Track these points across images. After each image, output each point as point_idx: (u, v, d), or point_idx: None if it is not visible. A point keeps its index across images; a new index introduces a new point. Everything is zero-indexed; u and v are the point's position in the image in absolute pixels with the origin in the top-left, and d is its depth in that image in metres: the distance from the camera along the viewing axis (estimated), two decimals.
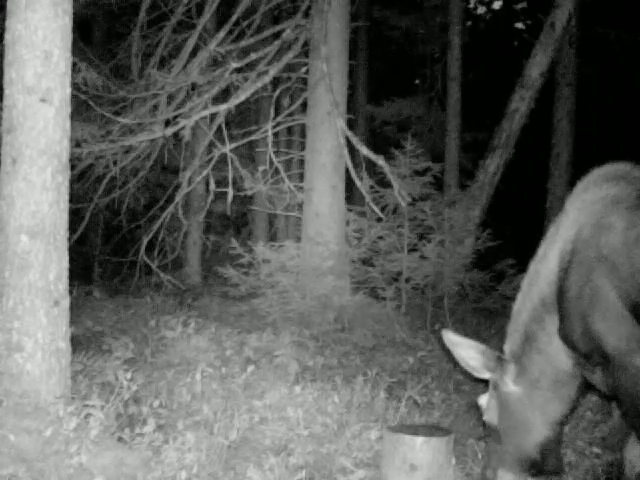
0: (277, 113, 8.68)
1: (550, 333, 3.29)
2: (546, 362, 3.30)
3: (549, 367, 3.30)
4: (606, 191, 3.19)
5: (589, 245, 3.10)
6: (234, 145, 8.54)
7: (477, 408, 3.67)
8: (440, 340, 6.73)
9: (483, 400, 3.51)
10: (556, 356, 3.28)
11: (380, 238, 8.21)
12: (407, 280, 8.03)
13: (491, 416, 3.44)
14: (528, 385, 3.33)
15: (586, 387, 3.40)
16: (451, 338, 3.45)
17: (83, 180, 8.84)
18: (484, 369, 3.42)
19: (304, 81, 8.45)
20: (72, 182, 4.21)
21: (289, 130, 10.90)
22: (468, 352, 3.43)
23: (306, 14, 8.25)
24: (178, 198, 8.92)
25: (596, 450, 4.01)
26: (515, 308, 3.44)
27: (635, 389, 3.00)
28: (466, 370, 3.51)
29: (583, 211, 3.21)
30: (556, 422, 3.33)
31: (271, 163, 8.30)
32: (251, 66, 8.66)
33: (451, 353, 3.48)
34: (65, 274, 3.87)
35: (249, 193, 8.87)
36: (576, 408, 3.46)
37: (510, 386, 3.37)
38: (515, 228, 12.60)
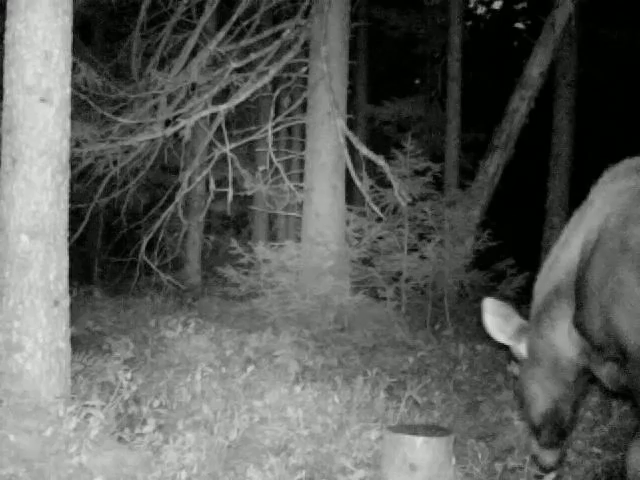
0: (277, 113, 8.68)
1: (553, 318, 3.29)
2: (547, 346, 3.33)
3: (549, 351, 3.33)
4: (635, 182, 3.10)
5: (614, 236, 2.99)
6: (234, 145, 8.55)
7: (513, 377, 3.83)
8: (440, 340, 6.79)
9: (516, 369, 3.62)
10: (558, 343, 3.29)
11: (380, 238, 8.21)
12: (407, 280, 8.03)
13: (519, 385, 3.58)
14: (533, 361, 3.42)
15: (589, 378, 3.41)
16: (488, 305, 3.50)
17: (83, 180, 8.84)
18: (502, 334, 3.50)
19: (304, 81, 8.45)
20: (72, 182, 4.20)
21: (289, 130, 10.90)
22: (496, 319, 3.50)
23: (306, 14, 8.25)
24: (178, 198, 8.92)
25: (596, 450, 4.00)
26: (535, 288, 3.47)
27: None
28: (491, 336, 3.58)
29: (609, 201, 3.12)
30: (557, 399, 3.36)
31: (271, 163, 8.31)
32: (251, 66, 8.66)
33: (483, 320, 3.54)
34: (65, 274, 3.87)
35: (249, 193, 8.88)
36: (581, 393, 3.44)
37: (523, 354, 3.46)
38: (515, 228, 12.59)
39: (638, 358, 2.93)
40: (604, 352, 3.14)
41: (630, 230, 2.94)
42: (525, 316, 3.59)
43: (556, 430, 3.39)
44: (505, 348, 3.74)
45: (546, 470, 3.48)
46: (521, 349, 3.47)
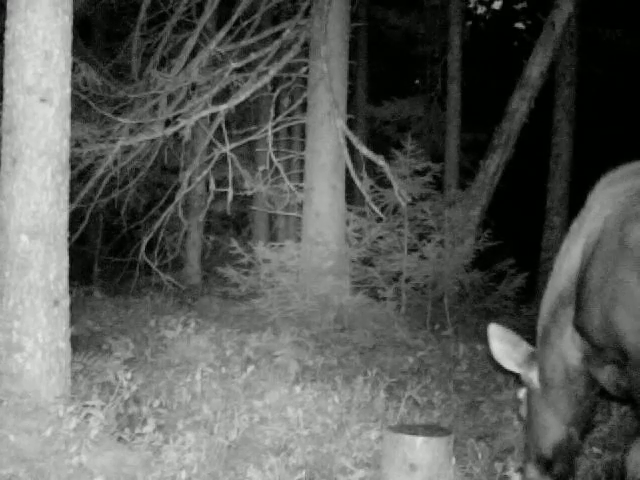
0: (277, 113, 8.68)
1: (561, 326, 3.27)
2: (557, 357, 3.29)
3: (559, 362, 3.29)
4: (632, 183, 3.09)
5: (614, 236, 2.98)
6: (234, 145, 8.54)
7: (517, 402, 3.72)
8: (440, 340, 6.78)
9: (522, 393, 3.55)
10: (565, 350, 3.26)
11: (380, 238, 8.21)
12: (407, 280, 8.03)
13: (523, 411, 3.52)
14: (544, 383, 3.35)
15: (595, 387, 3.38)
16: (493, 330, 3.45)
17: (83, 180, 8.83)
18: (513, 363, 3.46)
19: (304, 81, 8.45)
20: (72, 182, 4.20)
21: (289, 130, 10.90)
22: (505, 346, 3.45)
23: (306, 14, 8.25)
24: (178, 198, 8.92)
25: (596, 450, 4.00)
26: (542, 302, 3.44)
27: None
28: (497, 363, 3.54)
29: (608, 204, 3.12)
30: (569, 423, 3.31)
31: (271, 163, 8.30)
32: (251, 66, 8.66)
33: (490, 347, 3.48)
34: (65, 274, 3.87)
35: (249, 193, 8.87)
36: (590, 412, 3.40)
37: (534, 383, 3.40)
38: (515, 228, 12.59)
39: (636, 359, 2.92)
40: (604, 354, 3.13)
41: (628, 229, 2.92)
42: (525, 317, 3.59)
43: (568, 460, 3.34)
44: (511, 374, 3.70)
45: None
46: (532, 376, 3.41)
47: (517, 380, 3.62)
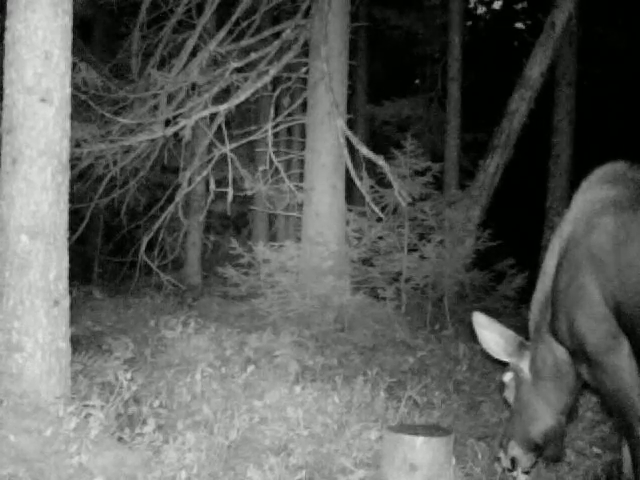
0: (277, 113, 8.68)
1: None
2: (547, 351, 3.42)
3: (550, 356, 3.41)
4: (606, 192, 3.24)
5: (580, 243, 3.17)
6: (234, 145, 8.54)
7: (501, 385, 3.82)
8: (440, 340, 6.78)
9: (507, 377, 3.66)
10: (556, 346, 3.39)
11: (380, 238, 8.20)
12: (407, 280, 8.03)
13: (509, 395, 3.64)
14: (535, 374, 3.47)
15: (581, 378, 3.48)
16: (479, 320, 3.62)
17: (83, 180, 8.83)
18: (503, 353, 3.58)
19: (304, 81, 8.44)
20: (72, 182, 4.20)
21: (289, 130, 10.89)
22: (492, 335, 3.58)
23: (306, 14, 8.24)
24: (178, 198, 8.92)
25: (596, 450, 4.01)
26: (532, 300, 3.57)
27: (612, 387, 3.10)
28: (487, 352, 3.66)
29: (582, 210, 3.28)
30: (559, 412, 3.44)
31: (271, 163, 8.30)
32: (251, 66, 8.66)
33: (476, 334, 3.64)
34: (65, 274, 3.87)
35: (249, 193, 8.87)
36: (578, 400, 3.52)
37: (525, 373, 3.51)
38: (515, 228, 12.59)
39: (595, 358, 3.13)
40: (576, 355, 3.29)
41: (593, 237, 3.12)
42: (525, 317, 3.63)
43: (557, 443, 3.47)
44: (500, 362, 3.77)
45: (523, 471, 3.55)
46: (523, 366, 3.52)
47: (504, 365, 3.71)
